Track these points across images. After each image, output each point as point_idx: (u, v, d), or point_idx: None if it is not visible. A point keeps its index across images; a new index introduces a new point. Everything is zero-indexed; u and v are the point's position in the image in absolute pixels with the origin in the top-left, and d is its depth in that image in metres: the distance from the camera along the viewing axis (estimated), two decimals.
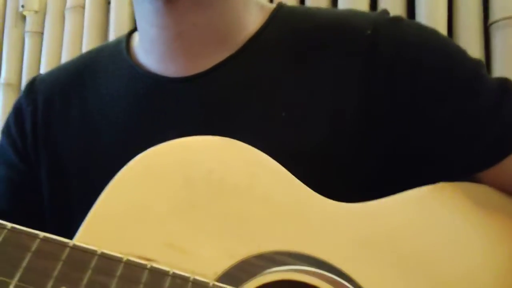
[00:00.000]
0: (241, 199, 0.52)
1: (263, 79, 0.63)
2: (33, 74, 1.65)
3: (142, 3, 0.64)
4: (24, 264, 0.40)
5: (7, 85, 1.69)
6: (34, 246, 0.41)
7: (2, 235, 0.41)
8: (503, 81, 0.63)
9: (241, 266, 0.49)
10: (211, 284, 0.45)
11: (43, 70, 1.64)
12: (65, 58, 1.62)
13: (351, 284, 0.51)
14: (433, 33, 0.65)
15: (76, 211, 0.59)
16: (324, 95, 0.61)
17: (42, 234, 0.42)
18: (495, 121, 0.60)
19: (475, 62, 0.64)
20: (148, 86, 0.66)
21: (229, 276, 0.48)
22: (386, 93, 0.60)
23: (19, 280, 0.39)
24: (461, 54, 0.64)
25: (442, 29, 1.20)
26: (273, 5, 0.69)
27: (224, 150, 0.54)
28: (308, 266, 0.51)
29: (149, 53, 0.67)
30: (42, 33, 1.71)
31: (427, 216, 0.58)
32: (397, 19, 0.64)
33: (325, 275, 0.51)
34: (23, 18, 1.74)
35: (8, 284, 0.39)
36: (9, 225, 0.42)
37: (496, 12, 1.18)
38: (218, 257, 0.49)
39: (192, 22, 0.63)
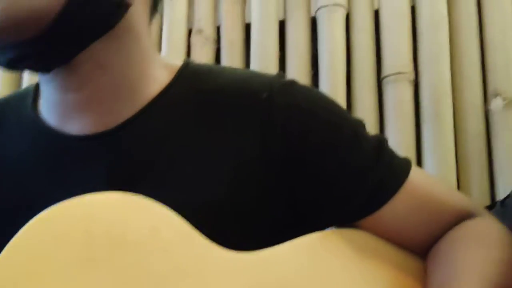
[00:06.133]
0: (141, 252, 0.54)
1: (168, 137, 0.66)
2: None
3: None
4: None
5: None
6: None
7: None
8: (379, 139, 0.71)
9: None
10: None
11: None
12: None
13: None
14: (320, 96, 0.72)
15: None
16: (226, 153, 0.65)
17: None
18: (368, 177, 0.67)
19: (356, 122, 0.71)
20: (52, 144, 0.66)
21: None
22: (281, 152, 0.66)
23: None
24: (344, 115, 0.72)
25: (342, 83, 1.29)
26: (179, 64, 0.71)
27: (125, 206, 0.56)
28: None
29: (52, 112, 0.67)
30: None
31: (312, 262, 0.64)
32: (290, 83, 0.70)
33: None
34: None
35: None
36: None
37: (387, 68, 1.29)
38: None
39: (96, 83, 0.64)
